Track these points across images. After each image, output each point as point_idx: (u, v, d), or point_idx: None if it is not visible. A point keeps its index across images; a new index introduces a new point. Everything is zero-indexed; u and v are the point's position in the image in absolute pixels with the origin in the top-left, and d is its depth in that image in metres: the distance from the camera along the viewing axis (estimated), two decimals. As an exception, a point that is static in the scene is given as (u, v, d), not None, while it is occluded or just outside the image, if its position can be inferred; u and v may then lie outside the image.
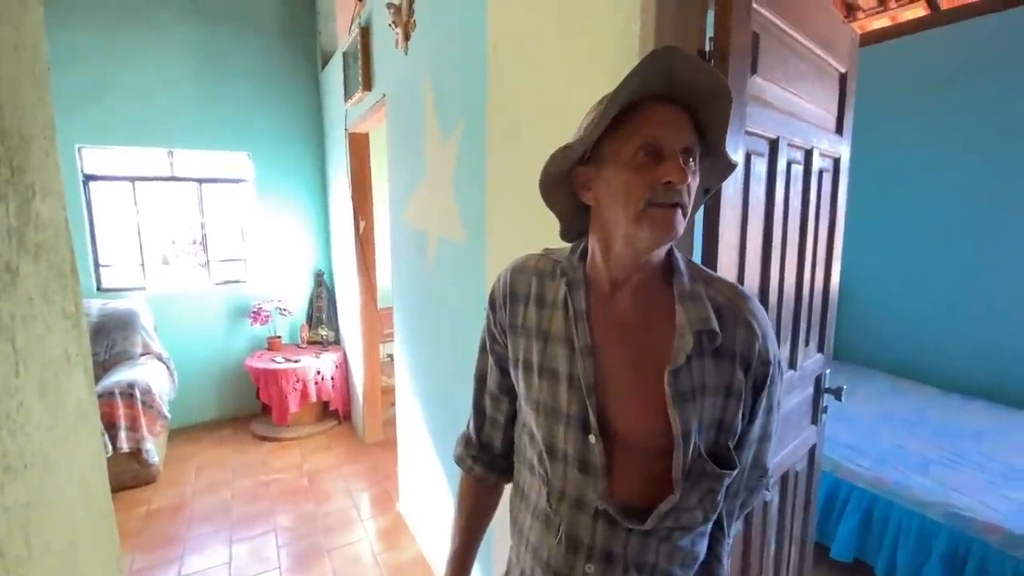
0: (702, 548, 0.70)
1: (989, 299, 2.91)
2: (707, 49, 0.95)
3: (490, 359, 0.80)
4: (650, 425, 0.64)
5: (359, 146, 3.13)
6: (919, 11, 3.10)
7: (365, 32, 2.47)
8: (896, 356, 3.33)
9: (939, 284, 3.12)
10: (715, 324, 0.64)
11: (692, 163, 0.61)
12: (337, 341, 3.97)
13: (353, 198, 3.16)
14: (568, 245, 0.77)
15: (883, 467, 2.06)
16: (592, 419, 0.64)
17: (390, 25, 2.06)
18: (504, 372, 0.79)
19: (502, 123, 1.40)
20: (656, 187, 0.60)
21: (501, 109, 1.40)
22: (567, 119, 1.12)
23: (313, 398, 3.45)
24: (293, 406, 3.36)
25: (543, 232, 1.24)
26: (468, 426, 0.87)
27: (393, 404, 3.77)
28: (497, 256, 1.48)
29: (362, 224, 3.22)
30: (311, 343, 3.86)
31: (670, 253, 0.69)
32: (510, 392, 0.80)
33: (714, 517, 0.68)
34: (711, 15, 0.95)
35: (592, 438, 0.64)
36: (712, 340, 0.64)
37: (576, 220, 0.74)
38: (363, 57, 2.49)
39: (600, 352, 0.66)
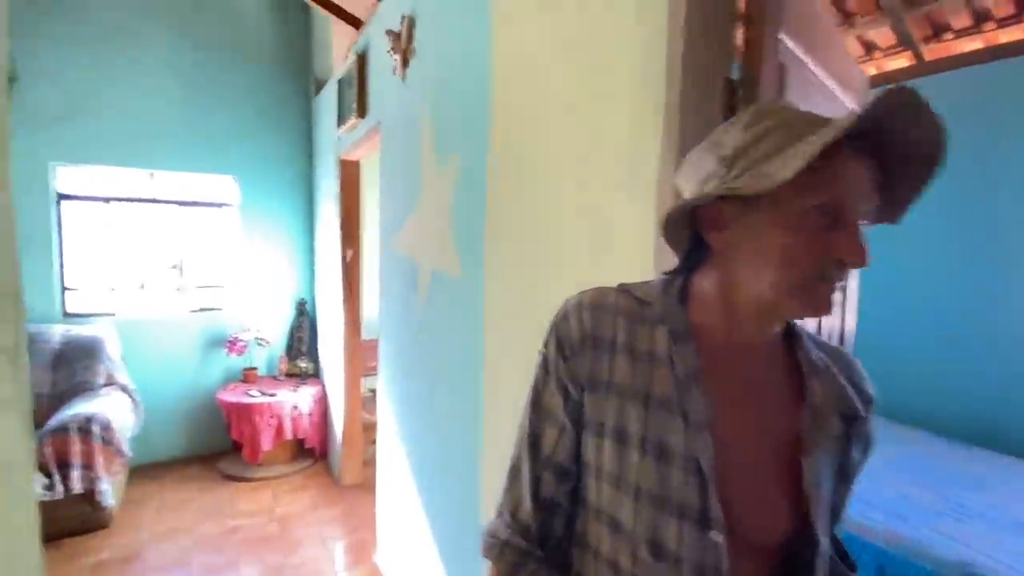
0: None
1: (988, 339, 2.90)
2: (735, 77, 0.89)
3: (560, 419, 0.60)
4: (778, 518, 0.55)
5: (350, 173, 3.06)
6: (903, 61, 3.20)
7: (361, 59, 2.43)
8: (890, 400, 3.29)
9: (941, 327, 3.11)
10: (858, 407, 0.59)
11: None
12: (317, 374, 3.79)
13: (341, 226, 3.06)
14: (648, 281, 0.64)
15: (894, 520, 1.97)
16: (716, 512, 0.52)
17: (388, 52, 2.02)
18: (579, 439, 0.60)
19: (505, 157, 1.33)
20: (827, 262, 0.50)
21: (504, 143, 1.33)
22: (575, 157, 1.06)
23: (288, 435, 3.25)
24: (266, 443, 3.16)
25: (546, 272, 1.17)
26: (515, 514, 0.63)
27: (374, 443, 3.59)
28: (495, 293, 1.39)
29: (349, 253, 3.11)
30: (289, 376, 3.67)
31: None
32: (578, 465, 0.61)
33: None
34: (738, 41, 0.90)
35: (716, 535, 0.51)
36: (851, 424, 0.59)
37: (684, 258, 0.62)
38: (359, 84, 2.44)
39: (719, 425, 0.54)
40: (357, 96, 2.46)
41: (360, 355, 3.22)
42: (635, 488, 0.54)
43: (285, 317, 3.82)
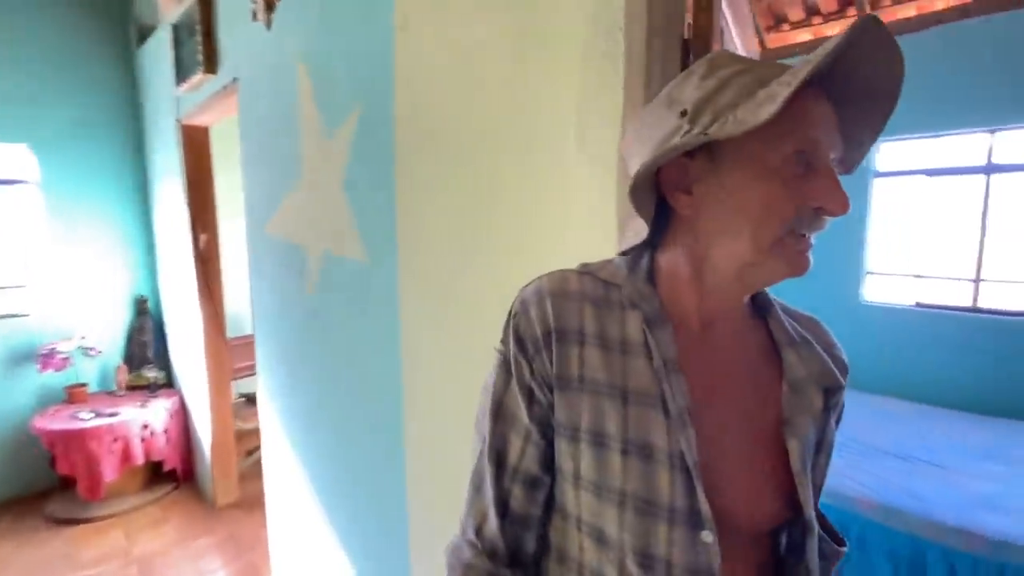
0: None
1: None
2: (687, 36, 0.83)
3: (525, 426, 0.54)
4: (768, 502, 0.52)
5: (197, 141, 2.55)
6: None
7: (206, 1, 1.99)
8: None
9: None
10: (840, 378, 0.55)
11: None
12: (170, 383, 3.21)
13: (190, 205, 2.56)
14: (607, 260, 0.58)
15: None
16: (706, 510, 0.47)
17: (246, -10, 1.66)
18: (548, 446, 0.54)
19: (418, 116, 1.14)
20: (805, 211, 0.46)
21: (416, 98, 1.14)
22: (511, 110, 0.93)
23: (139, 459, 2.71)
24: (109, 473, 2.59)
25: (480, 251, 1.04)
26: (480, 531, 0.57)
27: (251, 453, 3.17)
28: (414, 276, 1.21)
29: (202, 237, 2.62)
30: (133, 389, 3.05)
31: None
32: (551, 471, 0.55)
33: None
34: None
35: (707, 535, 0.47)
36: (831, 395, 0.55)
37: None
38: (204, 31, 2.00)
39: (700, 415, 0.50)
40: (203, 47, 2.01)
41: (227, 357, 2.77)
42: (619, 494, 0.49)
43: (120, 319, 3.15)
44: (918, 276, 3.36)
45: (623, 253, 0.57)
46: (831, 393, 0.55)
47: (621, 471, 0.49)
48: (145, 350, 3.17)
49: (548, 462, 0.55)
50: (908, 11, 3.05)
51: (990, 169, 3.05)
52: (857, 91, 0.46)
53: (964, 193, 3.17)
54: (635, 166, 0.52)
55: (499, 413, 0.56)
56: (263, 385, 2.04)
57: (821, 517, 0.56)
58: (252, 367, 3.28)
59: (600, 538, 0.51)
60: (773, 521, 0.53)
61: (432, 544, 1.24)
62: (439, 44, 1.07)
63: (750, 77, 0.46)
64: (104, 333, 3.05)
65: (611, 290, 0.54)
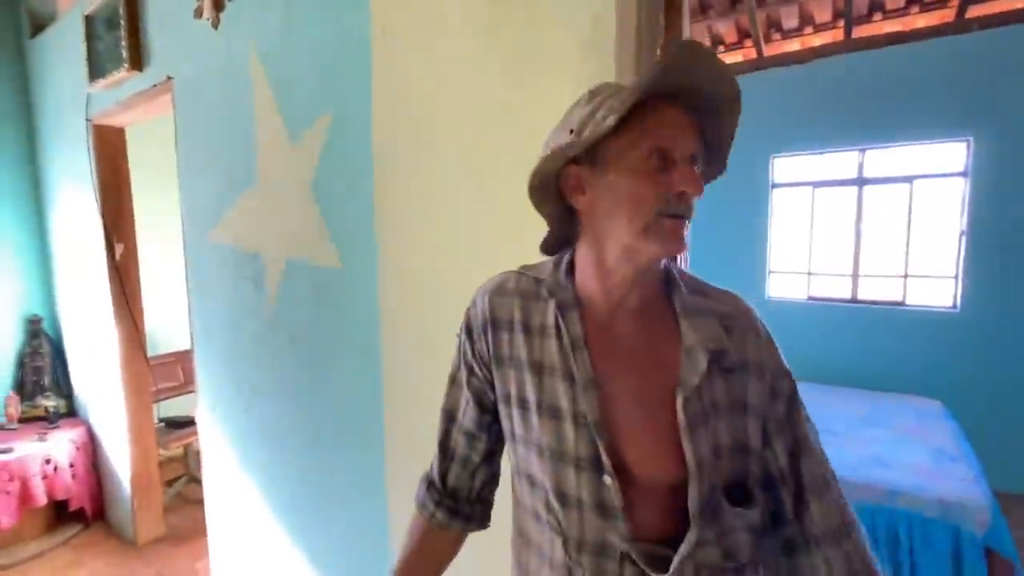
0: None
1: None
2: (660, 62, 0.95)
3: (465, 393, 0.71)
4: (665, 457, 0.57)
5: (111, 144, 2.33)
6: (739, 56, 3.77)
7: (131, -7, 1.85)
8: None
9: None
10: (726, 341, 0.59)
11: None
12: (72, 412, 2.87)
13: (104, 213, 2.33)
14: (546, 259, 0.70)
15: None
16: (605, 459, 0.57)
17: (191, -13, 1.58)
18: (483, 408, 0.71)
19: (398, 122, 1.18)
20: (668, 197, 0.55)
21: (396, 105, 1.18)
22: (501, 122, 1.01)
23: (41, 500, 2.39)
24: (6, 519, 2.26)
25: (467, 252, 1.09)
26: (432, 468, 0.76)
27: (174, 482, 2.93)
28: (393, 281, 1.24)
29: (119, 248, 2.40)
30: (28, 420, 2.69)
31: (665, 265, 0.64)
32: (489, 429, 0.71)
33: (744, 561, 0.59)
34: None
35: (607, 479, 0.57)
36: (722, 357, 0.59)
37: (560, 228, 0.68)
38: (129, 25, 1.86)
39: (604, 382, 0.60)
40: (128, 41, 1.87)
41: (147, 378, 2.54)
42: (538, 446, 0.62)
43: (8, 343, 2.76)
44: (809, 273, 3.86)
45: (545, 251, 0.70)
46: (718, 355, 0.58)
47: (539, 428, 0.61)
48: (41, 376, 2.80)
49: (481, 423, 0.71)
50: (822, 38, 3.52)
51: (861, 182, 3.60)
52: (706, 104, 0.56)
53: (842, 201, 3.70)
54: (538, 180, 0.63)
55: (453, 382, 0.73)
56: (206, 405, 1.91)
57: (743, 481, 0.58)
58: (175, 388, 3.04)
59: (531, 481, 0.64)
60: (670, 474, 0.57)
61: None
62: (422, 54, 1.12)
63: (616, 98, 0.56)
64: (-13, 359, 2.67)
65: (539, 284, 0.66)
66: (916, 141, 3.34)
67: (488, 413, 0.70)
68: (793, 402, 0.61)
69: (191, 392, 3.13)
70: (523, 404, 0.63)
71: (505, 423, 0.67)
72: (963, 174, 3.25)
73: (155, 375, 2.74)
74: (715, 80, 0.54)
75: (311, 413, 1.49)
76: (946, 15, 3.11)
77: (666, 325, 0.62)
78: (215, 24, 1.58)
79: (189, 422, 2.95)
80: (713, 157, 0.61)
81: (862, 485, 2.01)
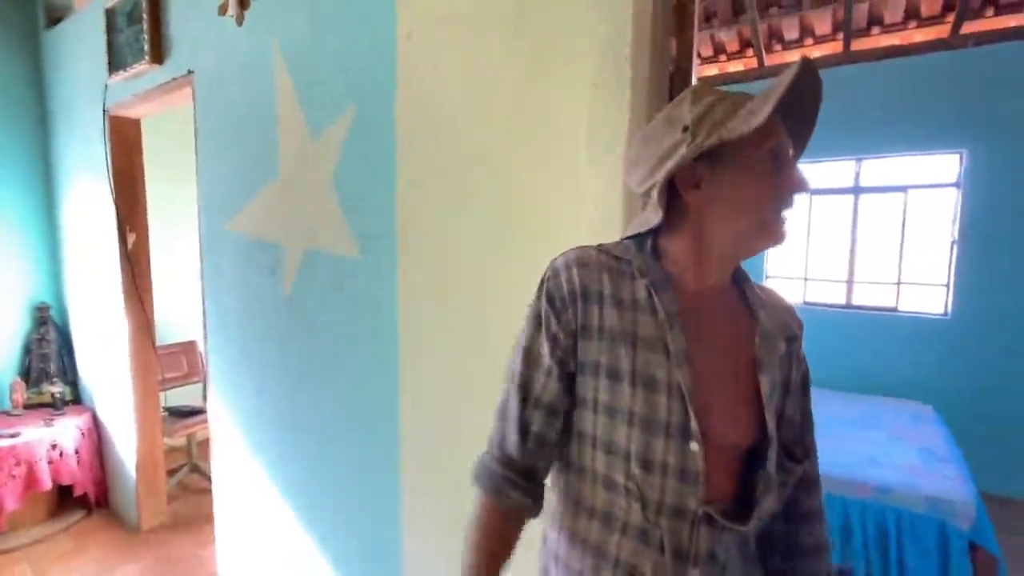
0: (758, 547, 0.73)
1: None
2: (671, 70, 1.01)
3: (547, 364, 0.68)
4: (743, 426, 0.66)
5: (127, 135, 2.37)
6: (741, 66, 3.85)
7: (155, -13, 1.90)
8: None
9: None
10: (796, 330, 0.71)
11: None
12: (77, 399, 2.89)
13: (118, 203, 2.37)
14: (616, 242, 0.73)
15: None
16: (695, 427, 0.62)
17: (218, -16, 1.63)
18: (564, 381, 0.68)
19: (422, 120, 1.23)
20: (783, 195, 0.62)
21: (420, 103, 1.23)
22: (523, 122, 1.06)
23: (46, 484, 2.42)
24: (11, 502, 2.29)
25: (487, 247, 1.14)
26: (502, 447, 0.71)
27: (176, 472, 2.95)
28: (413, 271, 1.29)
29: (132, 237, 2.44)
30: (33, 407, 2.71)
31: None
32: (567, 403, 0.70)
33: (780, 508, 0.71)
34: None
35: (694, 445, 0.62)
36: (791, 344, 0.70)
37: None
38: (151, 19, 1.91)
39: (693, 356, 0.64)
40: (150, 35, 1.92)
41: (155, 367, 2.57)
42: (628, 414, 0.64)
43: (15, 330, 2.79)
44: (805, 279, 3.94)
45: (628, 238, 0.72)
46: (791, 342, 0.70)
47: (630, 397, 0.63)
48: (47, 363, 2.83)
49: (563, 396, 0.68)
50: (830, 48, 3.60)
51: (857, 190, 3.68)
52: (795, 111, 0.64)
53: (838, 209, 3.79)
54: (641, 172, 0.68)
55: (528, 357, 0.70)
56: (217, 394, 1.95)
57: (789, 444, 0.70)
58: (180, 378, 3.08)
59: (610, 449, 0.65)
60: (746, 439, 0.65)
61: (427, 548, 1.30)
62: (447, 56, 1.17)
63: (728, 102, 0.62)
64: (-5, 345, 2.70)
65: (622, 263, 0.68)
66: (911, 152, 3.43)
67: (567, 387, 0.69)
68: (808, 384, 0.74)
69: (196, 382, 3.18)
70: (614, 374, 0.64)
71: (587, 393, 0.67)
72: (956, 185, 3.34)
73: (161, 364, 2.77)
74: (818, 97, 0.63)
75: (325, 400, 1.54)
76: (942, 31, 3.20)
77: (739, 309, 0.70)
78: (239, 21, 1.63)
79: (193, 412, 2.98)
80: (796, 157, 0.68)
81: (855, 483, 2.08)
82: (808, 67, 0.57)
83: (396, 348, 1.33)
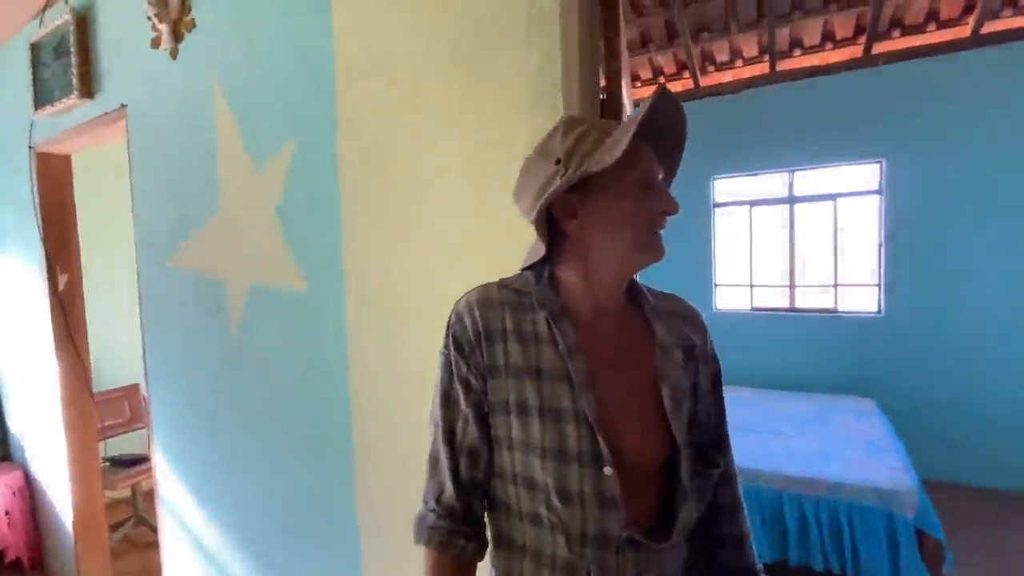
0: (691, 552, 0.72)
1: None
2: (602, 98, 1.06)
3: (464, 410, 0.69)
4: (653, 442, 0.67)
5: (55, 171, 2.26)
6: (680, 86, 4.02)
7: (82, 20, 1.84)
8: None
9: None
10: (693, 338, 0.72)
11: None
12: (7, 456, 2.68)
13: (46, 243, 2.24)
14: (514, 275, 0.75)
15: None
16: (605, 451, 0.62)
17: (150, 18, 1.59)
18: (483, 423, 0.69)
19: (363, 149, 1.24)
20: (654, 216, 0.66)
21: (361, 134, 1.24)
22: (463, 148, 1.09)
23: (-28, 552, 2.22)
24: (-71, 576, 2.09)
25: (431, 271, 1.15)
26: (439, 499, 0.71)
27: (121, 526, 2.77)
28: (362, 303, 1.27)
29: (62, 279, 2.30)
30: (-46, 468, 2.49)
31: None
32: (489, 444, 0.70)
33: (703, 514, 0.71)
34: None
35: (607, 470, 0.62)
36: (691, 352, 0.71)
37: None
38: (80, 53, 1.84)
39: (597, 382, 0.66)
40: (78, 69, 1.85)
41: (93, 415, 2.41)
42: (540, 448, 0.65)
43: (-69, 384, 2.57)
44: (751, 285, 4.12)
45: (525, 269, 0.74)
46: (689, 349, 0.71)
47: (540, 431, 0.64)
48: (-31, 419, 2.61)
49: (483, 439, 0.69)
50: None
51: (792, 200, 3.91)
52: (664, 137, 0.68)
53: (776, 218, 4.00)
54: (526, 205, 0.71)
55: (447, 403, 0.71)
56: (162, 441, 1.85)
57: (704, 449, 0.70)
58: (122, 424, 2.90)
59: (530, 485, 0.66)
60: (659, 453, 0.66)
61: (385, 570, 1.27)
62: (386, 87, 1.19)
63: (596, 132, 0.66)
64: (-91, 403, 2.47)
65: (523, 297, 0.70)
66: (837, 163, 3.68)
67: (485, 427, 0.70)
68: (720, 381, 0.75)
69: (140, 428, 3.00)
70: (523, 409, 0.66)
71: (500, 431, 0.68)
72: (878, 192, 3.60)
73: (100, 411, 2.61)
74: (681, 121, 0.67)
75: (277, 440, 1.48)
76: (856, 51, 3.48)
77: (636, 325, 0.72)
78: (173, 55, 1.60)
79: (137, 460, 2.81)
80: (667, 178, 0.72)
81: (810, 480, 2.16)
82: (664, 97, 0.61)
83: (346, 381, 1.30)
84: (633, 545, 0.63)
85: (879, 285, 3.62)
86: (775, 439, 2.63)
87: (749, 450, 2.47)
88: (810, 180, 3.90)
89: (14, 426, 2.64)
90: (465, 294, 0.73)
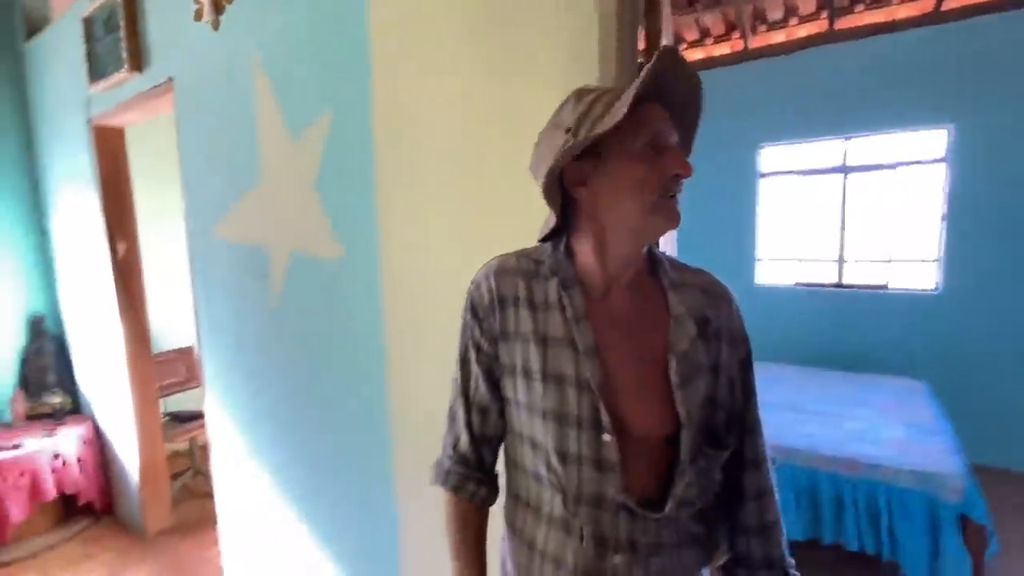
0: (700, 528, 0.71)
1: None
2: (640, 61, 1.02)
3: (475, 370, 0.75)
4: (657, 415, 0.66)
5: (111, 144, 2.37)
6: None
7: (129, -5, 1.90)
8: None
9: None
10: (708, 310, 0.70)
11: None
12: (77, 409, 2.92)
13: (106, 213, 2.37)
14: (536, 245, 0.76)
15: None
16: (605, 418, 0.64)
17: (192, -9, 1.63)
18: (492, 384, 0.74)
19: (397, 119, 1.24)
20: (666, 179, 0.63)
21: (395, 103, 1.24)
22: (494, 120, 1.07)
23: (51, 494, 2.45)
24: (18, 513, 2.32)
25: (463, 242, 1.16)
26: (455, 447, 0.78)
27: (180, 476, 2.99)
28: (395, 270, 1.30)
29: (121, 247, 2.45)
30: (34, 418, 2.74)
31: (648, 246, 0.72)
32: (498, 403, 0.75)
33: (710, 497, 0.71)
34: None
35: (606, 436, 0.64)
36: (706, 324, 0.69)
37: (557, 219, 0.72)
38: (128, 27, 1.90)
39: (603, 349, 0.66)
40: (127, 43, 1.92)
41: (152, 375, 2.59)
42: (542, 411, 0.67)
43: (11, 343, 2.81)
44: (796, 260, 3.95)
45: (543, 240, 0.75)
46: (704, 322, 0.68)
47: (542, 394, 0.67)
48: (45, 374, 2.85)
49: (492, 398, 0.74)
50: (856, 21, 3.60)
51: (846, 169, 3.69)
52: (677, 100, 0.65)
53: (828, 189, 3.79)
54: (541, 176, 0.69)
55: (464, 363, 0.76)
56: (213, 396, 1.97)
57: (714, 428, 0.68)
58: (178, 383, 3.10)
59: (533, 445, 0.69)
60: (664, 427, 0.65)
61: (422, 536, 1.32)
62: (416, 55, 1.18)
63: (608, 97, 0.64)
64: (-7, 358, 2.71)
65: (539, 265, 0.72)
66: (898, 129, 3.43)
67: (494, 387, 0.74)
68: (749, 362, 0.73)
69: (194, 388, 3.20)
70: (528, 373, 0.68)
71: (509, 393, 0.72)
72: (944, 160, 3.35)
73: (159, 371, 2.80)
74: (689, 79, 0.64)
75: (318, 400, 1.56)
76: (925, 5, 3.19)
77: (653, 298, 0.70)
78: (215, 26, 1.63)
79: (193, 417, 3.01)
80: (684, 144, 0.69)
81: (845, 460, 2.11)
82: (668, 54, 0.59)
83: (383, 346, 1.35)
84: (627, 511, 0.64)
85: (938, 261, 3.41)
86: (814, 418, 2.56)
87: (786, 428, 2.42)
88: (867, 148, 3.66)
89: (82, 382, 2.87)
90: (486, 263, 0.75)
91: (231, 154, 1.70)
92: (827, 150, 3.76)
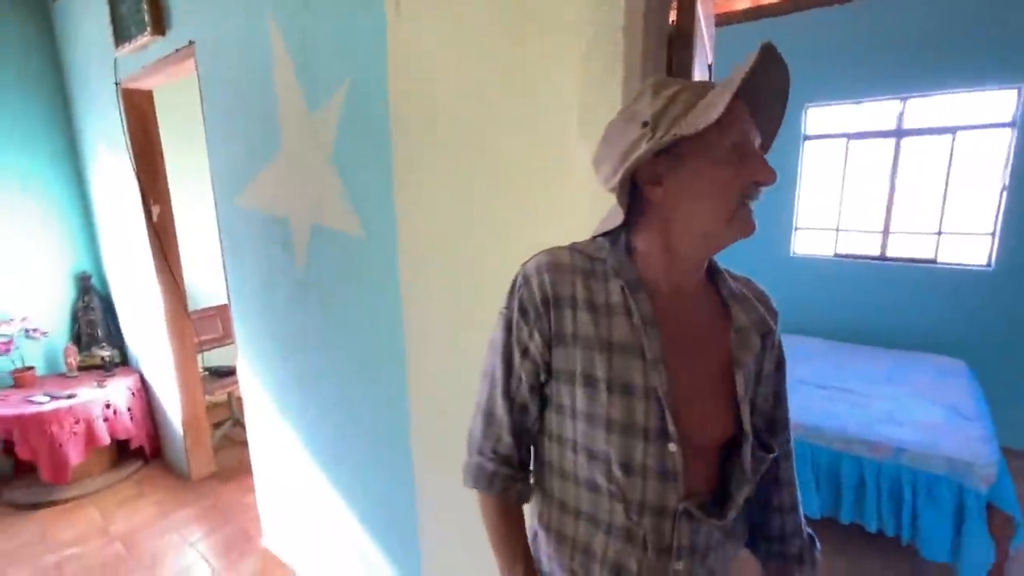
0: (742, 521, 0.74)
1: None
2: (672, 35, 0.94)
3: (519, 371, 0.70)
4: (720, 424, 0.67)
5: (140, 107, 2.40)
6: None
7: (149, -46, 1.86)
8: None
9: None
10: (772, 324, 0.70)
11: None
12: (125, 361, 3.11)
13: (139, 176, 2.43)
14: (590, 239, 0.71)
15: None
16: (672, 429, 0.63)
17: (208, -49, 1.58)
18: (533, 385, 0.70)
19: (413, 92, 1.20)
20: (748, 186, 0.60)
21: (411, 75, 1.19)
22: (513, 92, 1.02)
23: (105, 440, 2.65)
24: (76, 456, 2.53)
25: (480, 219, 1.14)
26: (496, 449, 0.74)
27: (218, 426, 3.17)
28: (413, 254, 1.29)
29: (156, 209, 2.52)
30: (86, 369, 2.93)
31: None
32: (538, 402, 0.72)
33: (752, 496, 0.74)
34: None
35: (672, 447, 0.63)
36: (767, 338, 0.69)
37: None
38: (150, -12, 1.88)
39: (669, 359, 0.64)
40: (149, 6, 1.90)
41: (189, 331, 2.72)
42: (606, 420, 0.64)
43: (63, 298, 2.98)
44: (838, 229, 3.76)
45: (600, 235, 0.70)
46: (765, 336, 0.69)
47: (607, 404, 0.63)
48: (94, 329, 3.03)
49: (533, 399, 0.71)
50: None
51: (900, 133, 3.42)
52: (763, 95, 0.62)
53: (878, 154, 3.54)
54: (606, 170, 0.65)
55: (506, 363, 0.71)
56: (245, 356, 2.06)
57: (760, 433, 0.70)
58: (216, 340, 3.25)
59: (592, 455, 0.66)
60: (723, 435, 0.67)
61: (436, 484, 1.38)
62: (434, 24, 1.12)
63: (688, 94, 0.60)
64: (47, 313, 2.89)
65: (596, 263, 0.67)
66: (961, 89, 3.13)
67: (537, 390, 0.71)
68: (783, 362, 0.75)
69: (230, 344, 3.34)
70: (590, 381, 0.65)
71: (564, 401, 0.68)
72: (1011, 124, 3.06)
73: (197, 328, 2.93)
74: (783, 77, 0.60)
75: (341, 368, 1.61)
76: (1007, -54, 2.84)
77: (713, 306, 0.70)
78: (233, -11, 1.59)
79: (231, 371, 3.17)
80: (762, 148, 0.65)
81: (872, 442, 2.06)
82: (769, 51, 0.55)
83: (401, 320, 1.36)
84: (688, 516, 0.65)
85: (994, 234, 3.18)
86: (842, 396, 2.50)
87: (811, 405, 2.37)
88: (925, 110, 3.37)
89: (129, 337, 3.04)
90: (535, 255, 0.70)
91: (253, 122, 1.69)
92: (880, 111, 3.49)
